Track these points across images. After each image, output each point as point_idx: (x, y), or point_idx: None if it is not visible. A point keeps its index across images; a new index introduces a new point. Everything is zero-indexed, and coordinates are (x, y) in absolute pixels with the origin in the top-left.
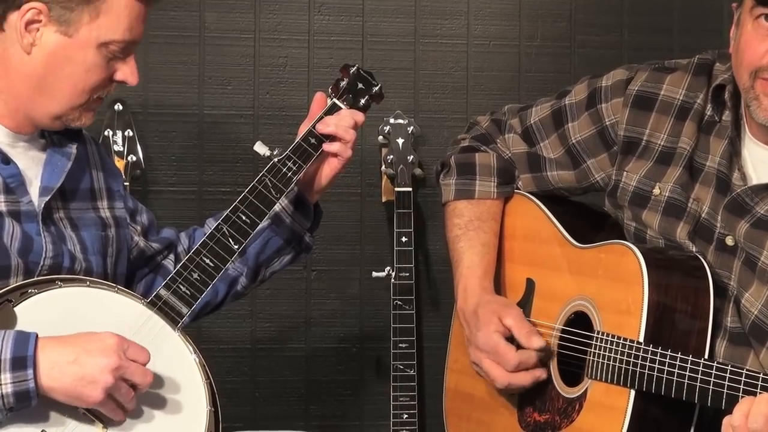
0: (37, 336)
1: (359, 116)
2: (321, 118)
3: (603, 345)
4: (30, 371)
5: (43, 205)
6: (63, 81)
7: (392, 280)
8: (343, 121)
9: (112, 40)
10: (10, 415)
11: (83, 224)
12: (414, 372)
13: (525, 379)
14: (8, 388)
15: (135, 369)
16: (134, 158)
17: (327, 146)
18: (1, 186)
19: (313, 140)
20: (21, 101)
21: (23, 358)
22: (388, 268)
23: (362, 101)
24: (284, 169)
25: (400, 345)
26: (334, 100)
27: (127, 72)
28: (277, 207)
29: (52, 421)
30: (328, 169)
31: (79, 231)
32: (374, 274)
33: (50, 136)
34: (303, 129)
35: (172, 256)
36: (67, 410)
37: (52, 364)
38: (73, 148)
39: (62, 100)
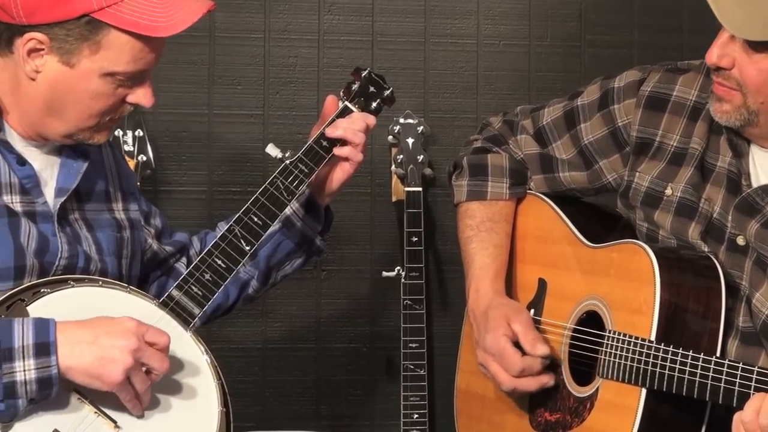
0: (55, 321)
1: (371, 119)
2: (332, 121)
3: (614, 344)
4: (53, 357)
5: (58, 206)
6: (69, 106)
7: (402, 280)
8: (354, 125)
9: (116, 72)
10: (23, 414)
11: (98, 225)
12: (424, 372)
13: (530, 384)
14: (32, 375)
15: (153, 353)
16: (144, 158)
17: (338, 150)
18: (17, 186)
19: (324, 143)
20: (32, 120)
21: (46, 344)
22: (398, 267)
23: (374, 104)
24: (296, 172)
25: (411, 345)
26: (346, 103)
27: (140, 95)
28: (288, 210)
29: (64, 421)
30: (340, 173)
31: (94, 232)
32: (384, 274)
33: None
34: (315, 132)
35: (184, 259)
36: (78, 410)
37: (72, 345)
38: (88, 150)
39: (70, 123)
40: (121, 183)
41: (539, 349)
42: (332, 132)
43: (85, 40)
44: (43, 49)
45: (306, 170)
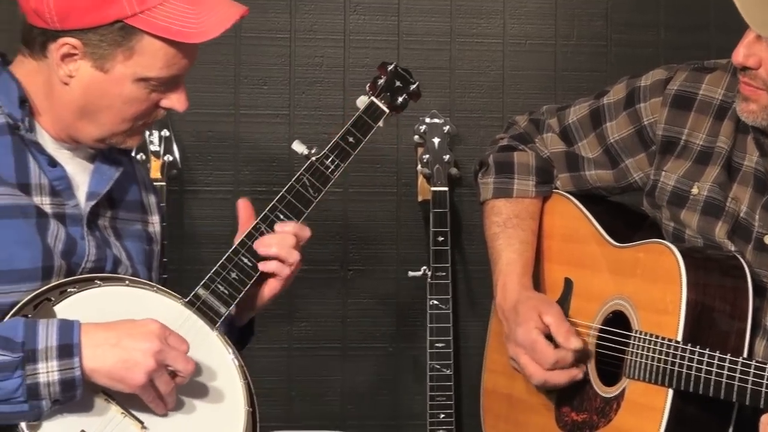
0: (80, 323)
1: (304, 232)
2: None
3: (641, 344)
4: (76, 359)
5: (88, 210)
6: (102, 111)
7: (428, 280)
8: (285, 241)
9: (149, 77)
10: (50, 415)
11: (127, 235)
12: (451, 371)
13: (561, 377)
14: (55, 376)
15: (177, 355)
16: (171, 158)
17: (263, 266)
18: (48, 188)
19: (351, 139)
20: (65, 123)
21: (69, 346)
22: (425, 267)
23: (400, 99)
24: (322, 168)
25: (437, 344)
26: (372, 98)
27: (174, 100)
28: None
29: (91, 422)
30: (267, 291)
31: (122, 241)
32: (410, 273)
33: None
34: (236, 239)
35: None
36: (105, 411)
37: (96, 347)
38: (121, 160)
39: (103, 127)
40: (151, 197)
41: (573, 342)
42: (265, 251)
43: (119, 46)
44: (76, 54)
45: (332, 166)
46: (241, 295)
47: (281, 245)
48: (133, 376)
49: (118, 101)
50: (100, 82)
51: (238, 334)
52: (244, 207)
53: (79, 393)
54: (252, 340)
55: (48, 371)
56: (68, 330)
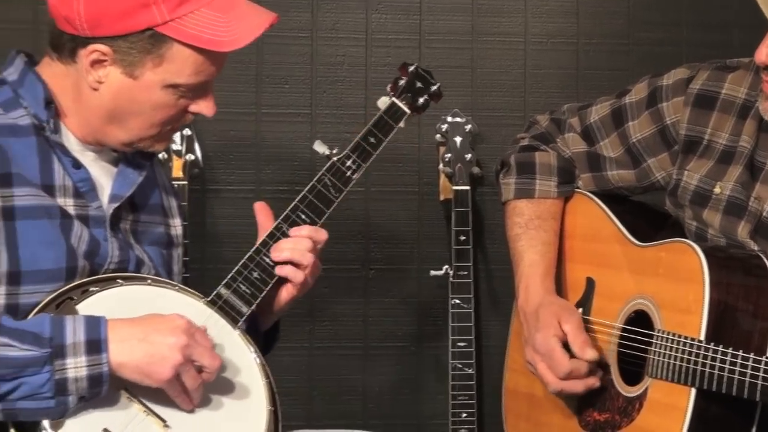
0: (106, 319)
1: (320, 235)
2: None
3: (664, 343)
4: (104, 355)
5: (111, 212)
6: (131, 116)
7: (450, 279)
8: (300, 245)
9: (178, 84)
10: (73, 413)
11: (148, 238)
12: (473, 371)
13: (576, 386)
14: (83, 372)
15: (203, 350)
16: (192, 157)
17: (279, 269)
18: (71, 189)
19: (372, 139)
20: (92, 127)
21: (97, 342)
22: (446, 266)
23: (421, 100)
24: (343, 168)
25: (459, 344)
26: (393, 99)
27: (202, 106)
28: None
29: (114, 420)
30: (285, 294)
31: (143, 245)
32: (432, 272)
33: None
34: (260, 237)
35: None
36: (128, 409)
37: (123, 342)
38: (145, 165)
39: (131, 132)
40: (176, 199)
41: (588, 353)
42: (278, 255)
43: (149, 53)
44: (106, 61)
45: (354, 166)
46: (262, 295)
47: (295, 249)
48: (160, 370)
49: (146, 107)
50: (129, 89)
51: (262, 339)
52: (261, 209)
53: (105, 389)
54: (275, 345)
55: (76, 366)
56: (95, 325)
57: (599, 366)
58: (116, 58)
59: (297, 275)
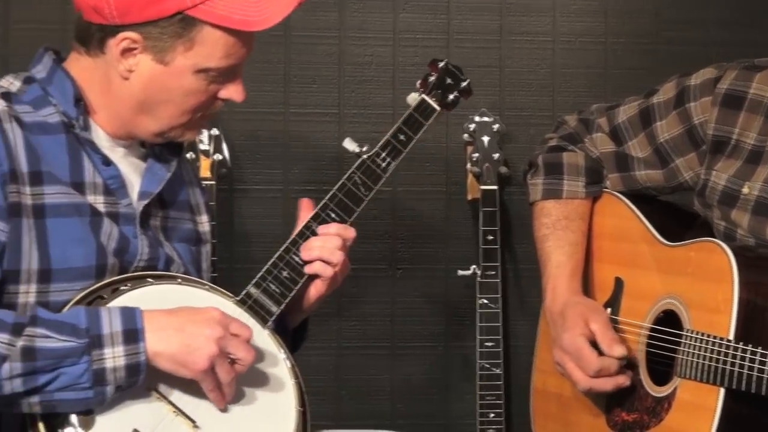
0: (141, 309)
1: (349, 233)
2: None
3: (693, 343)
4: (142, 344)
5: (141, 209)
6: (162, 104)
7: (478, 279)
8: (329, 243)
9: (209, 68)
10: (103, 412)
11: (177, 235)
12: (500, 371)
13: (606, 384)
14: (121, 361)
15: (238, 342)
16: (220, 157)
17: (309, 268)
18: (101, 186)
19: (402, 137)
20: (123, 119)
21: (134, 331)
22: (474, 266)
23: (450, 97)
24: (373, 166)
25: (487, 344)
26: (423, 96)
27: (232, 91)
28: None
29: (143, 420)
30: (314, 291)
31: (172, 242)
32: (460, 272)
33: (151, 147)
34: (298, 225)
35: None
36: (157, 410)
37: (159, 331)
38: (173, 161)
39: (162, 120)
40: (203, 196)
41: (616, 350)
42: (308, 254)
43: (179, 38)
44: (136, 48)
45: (384, 164)
46: (292, 294)
47: (323, 247)
48: (196, 360)
49: (178, 93)
50: (161, 75)
51: (291, 337)
52: (306, 206)
53: (141, 378)
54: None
55: (114, 356)
56: (131, 316)
57: (628, 366)
58: (147, 44)
59: (326, 272)
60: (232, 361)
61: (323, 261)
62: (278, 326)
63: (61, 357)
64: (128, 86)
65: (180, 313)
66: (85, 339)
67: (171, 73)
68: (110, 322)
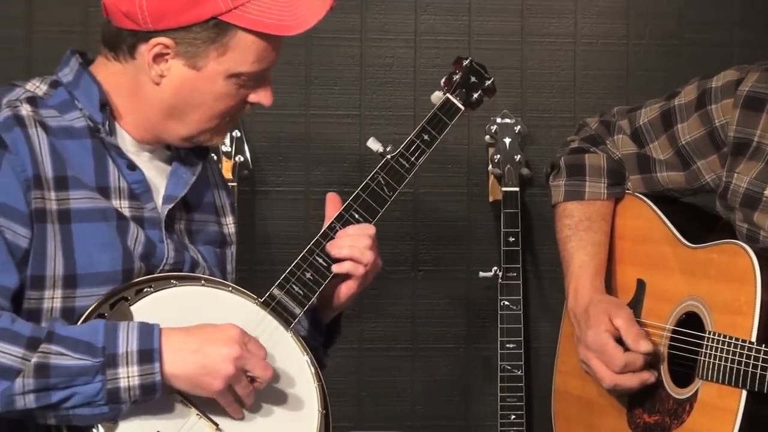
0: (159, 327)
1: (371, 230)
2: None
3: (715, 345)
4: (157, 365)
5: (166, 213)
6: (192, 109)
7: (499, 280)
8: (359, 242)
9: (241, 72)
10: (127, 415)
11: (202, 238)
12: (522, 372)
13: (632, 381)
14: (135, 381)
15: (256, 361)
16: (242, 158)
17: (337, 267)
18: (126, 191)
19: (426, 136)
20: (151, 123)
21: (150, 351)
22: (495, 268)
23: (475, 96)
24: (397, 166)
25: (508, 345)
26: (448, 95)
27: (261, 95)
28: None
29: (167, 424)
30: (345, 289)
31: (197, 244)
32: (481, 274)
33: (176, 149)
34: (326, 221)
35: None
36: (181, 413)
37: (176, 352)
38: (198, 164)
39: (191, 125)
40: (228, 198)
41: (642, 345)
42: (338, 252)
43: (213, 43)
44: (168, 54)
45: (407, 165)
46: (315, 296)
47: (354, 247)
48: (213, 382)
49: (209, 98)
50: (192, 80)
51: (325, 331)
52: (332, 200)
53: (158, 395)
54: (338, 339)
55: (128, 376)
56: (148, 334)
57: (651, 366)
58: (179, 50)
59: (357, 271)
60: (252, 379)
61: (354, 260)
62: (312, 321)
63: (74, 375)
64: (159, 91)
65: (198, 332)
66: (100, 358)
67: (203, 78)
68: (127, 340)
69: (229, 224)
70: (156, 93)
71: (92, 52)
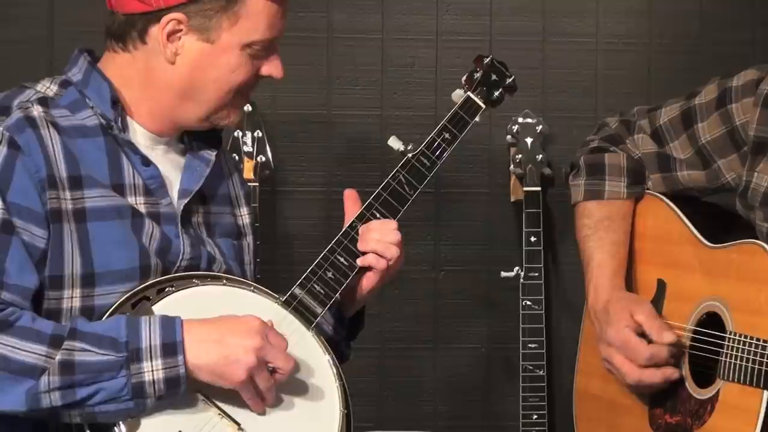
0: (181, 320)
1: (392, 224)
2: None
3: (736, 345)
4: (180, 357)
5: (182, 208)
6: (209, 85)
7: (521, 280)
8: (387, 237)
9: (254, 41)
10: (148, 414)
11: (219, 230)
12: (543, 372)
13: (656, 376)
14: (160, 374)
15: (278, 352)
16: (263, 159)
17: (361, 260)
18: (141, 187)
19: (447, 135)
20: (167, 109)
21: (173, 344)
22: (517, 267)
23: (496, 94)
24: (418, 165)
25: (530, 345)
26: (469, 93)
27: (272, 67)
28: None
29: (188, 423)
30: (366, 283)
31: (214, 237)
32: (503, 274)
33: (190, 142)
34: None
35: None
36: (202, 412)
37: (199, 343)
38: (212, 155)
39: (209, 102)
40: (239, 189)
41: (666, 336)
42: (364, 246)
43: (224, 12)
44: (181, 30)
45: (428, 163)
46: (337, 294)
47: (380, 241)
48: (234, 372)
49: (225, 71)
50: (208, 54)
51: (348, 325)
52: (349, 196)
53: (183, 389)
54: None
55: (153, 370)
56: (171, 327)
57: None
58: (192, 24)
59: (379, 264)
60: (273, 370)
61: (377, 254)
62: (335, 314)
63: (99, 371)
64: (173, 71)
65: (219, 323)
66: (124, 353)
67: (217, 50)
68: (149, 334)
69: (243, 215)
70: (171, 74)
71: (100, 51)
